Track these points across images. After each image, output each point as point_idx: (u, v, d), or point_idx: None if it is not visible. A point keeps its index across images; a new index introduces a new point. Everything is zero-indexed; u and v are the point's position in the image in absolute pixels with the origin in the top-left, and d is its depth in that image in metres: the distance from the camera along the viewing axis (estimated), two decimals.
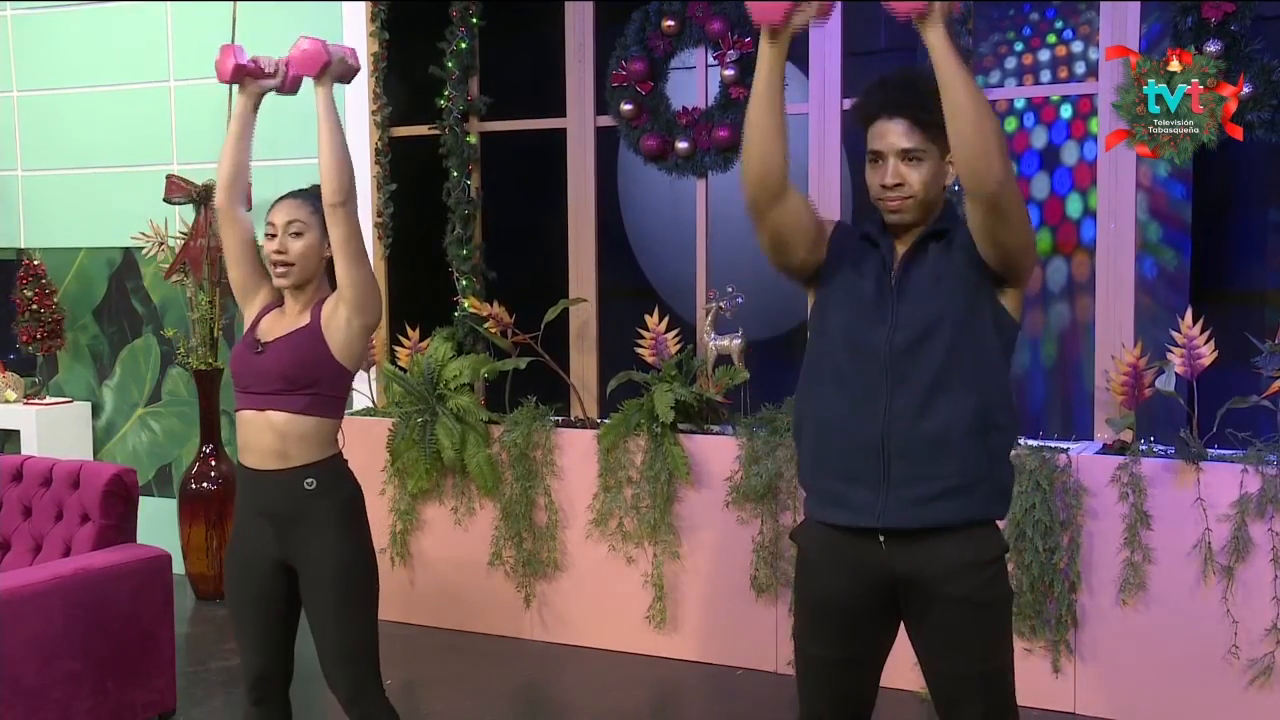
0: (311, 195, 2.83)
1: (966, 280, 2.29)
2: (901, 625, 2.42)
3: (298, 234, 2.77)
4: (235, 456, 5.24)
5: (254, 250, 2.93)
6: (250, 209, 4.99)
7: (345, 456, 2.89)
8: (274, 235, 2.78)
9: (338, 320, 2.76)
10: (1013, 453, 3.84)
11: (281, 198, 2.85)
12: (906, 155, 2.27)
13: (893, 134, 2.28)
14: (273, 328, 2.82)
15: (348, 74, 2.87)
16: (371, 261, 5.10)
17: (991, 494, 2.33)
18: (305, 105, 5.59)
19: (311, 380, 2.74)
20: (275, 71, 2.86)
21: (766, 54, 2.29)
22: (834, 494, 2.35)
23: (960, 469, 2.26)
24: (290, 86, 2.90)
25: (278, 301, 2.90)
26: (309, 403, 2.74)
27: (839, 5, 2.28)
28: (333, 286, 2.83)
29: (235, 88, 2.89)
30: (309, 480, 2.74)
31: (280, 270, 2.78)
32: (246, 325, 2.88)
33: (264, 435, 2.73)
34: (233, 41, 5.26)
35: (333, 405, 2.81)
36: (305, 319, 2.79)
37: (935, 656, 2.35)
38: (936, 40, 2.14)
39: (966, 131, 2.14)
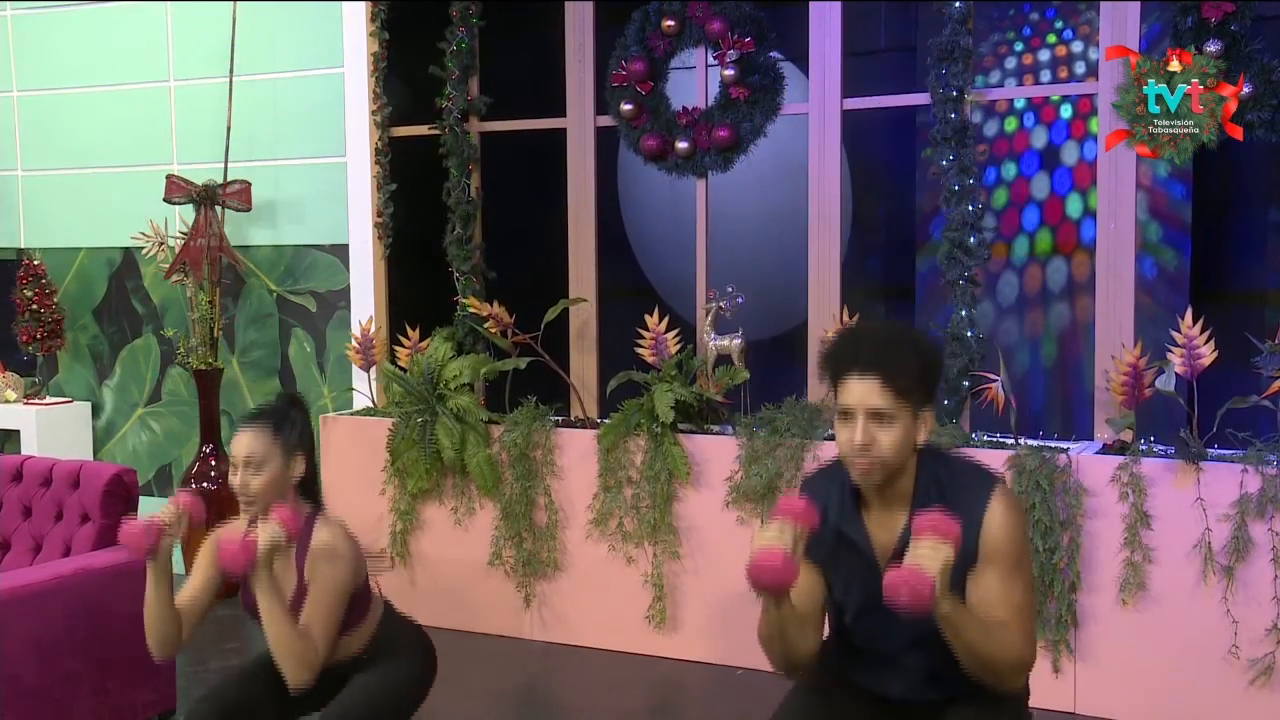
0: (272, 421, 2.77)
1: (956, 579, 2.20)
2: None
3: (257, 470, 2.73)
4: None
5: (208, 590, 2.82)
6: (250, 208, 4.95)
7: (389, 606, 2.96)
8: (235, 469, 2.75)
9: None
10: (1013, 453, 3.87)
11: (242, 424, 2.78)
12: (877, 415, 2.19)
13: (863, 392, 2.19)
14: None
15: (283, 544, 2.63)
16: (372, 261, 5.16)
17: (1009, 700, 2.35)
18: (305, 105, 5.62)
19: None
20: (178, 521, 2.70)
21: (772, 614, 2.22)
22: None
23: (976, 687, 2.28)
24: (195, 525, 2.77)
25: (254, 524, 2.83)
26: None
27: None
28: (310, 501, 2.83)
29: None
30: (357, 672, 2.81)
31: (244, 505, 2.75)
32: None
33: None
34: (232, 43, 5.27)
35: (354, 617, 2.82)
36: (293, 577, 2.74)
37: None
38: (941, 617, 2.07)
39: (971, 669, 2.17)
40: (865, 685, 2.40)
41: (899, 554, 2.20)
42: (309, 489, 2.84)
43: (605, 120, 4.85)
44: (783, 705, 2.42)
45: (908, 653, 2.31)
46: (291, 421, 2.80)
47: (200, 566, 2.84)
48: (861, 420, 2.19)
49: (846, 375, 2.22)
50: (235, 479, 2.73)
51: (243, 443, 2.73)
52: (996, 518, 2.21)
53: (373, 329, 5.02)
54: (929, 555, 2.01)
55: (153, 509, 5.60)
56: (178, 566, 5.00)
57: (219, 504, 5.15)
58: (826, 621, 2.41)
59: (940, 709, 2.32)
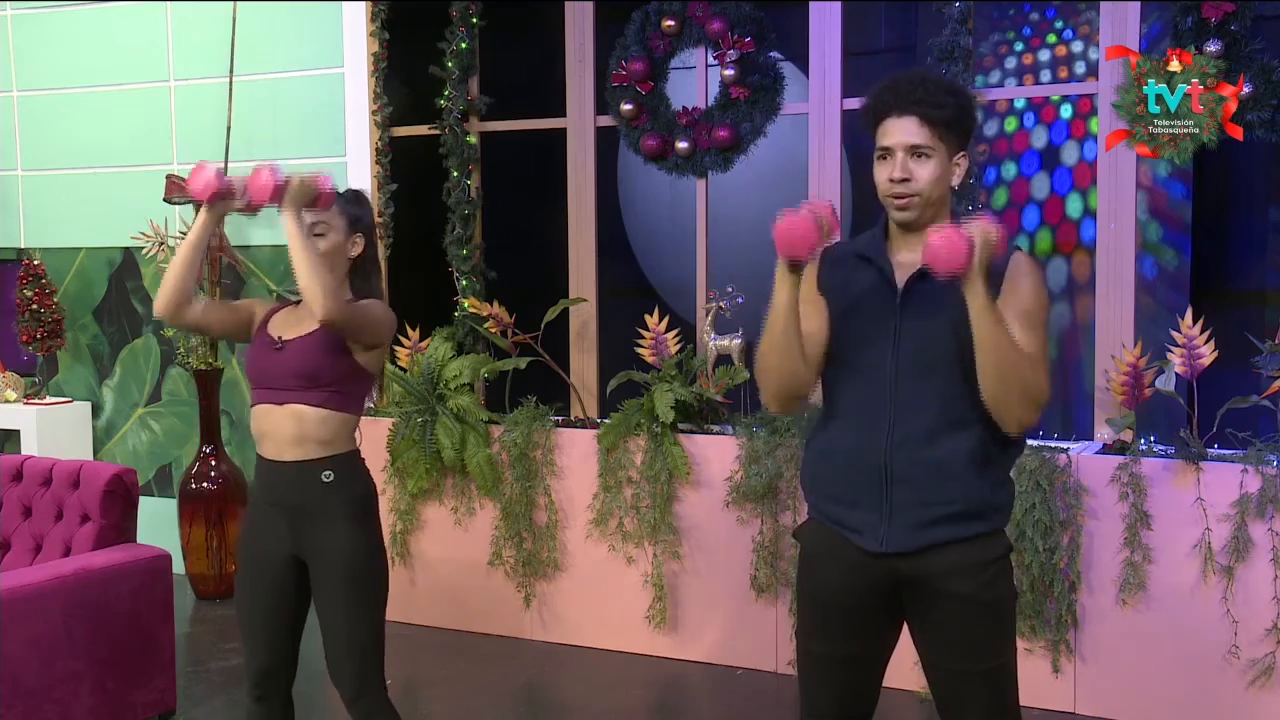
0: (341, 197, 2.85)
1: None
2: (905, 624, 2.42)
3: (320, 235, 2.80)
4: (236, 456, 5.28)
5: (221, 309, 2.94)
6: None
7: (362, 455, 2.90)
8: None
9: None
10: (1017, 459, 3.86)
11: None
12: (914, 151, 2.27)
13: (901, 130, 2.28)
14: (289, 324, 2.83)
15: (316, 200, 2.76)
16: None
17: (993, 514, 2.34)
18: (305, 105, 5.61)
19: (333, 377, 2.76)
20: (243, 193, 2.80)
21: (785, 286, 2.28)
22: (837, 517, 2.37)
23: (962, 496, 2.28)
24: (251, 209, 2.84)
25: (280, 305, 2.93)
26: (329, 397, 2.75)
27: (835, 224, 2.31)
28: (354, 290, 2.86)
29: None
30: (326, 472, 2.75)
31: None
32: (255, 332, 2.88)
33: (284, 425, 2.75)
34: (233, 43, 5.27)
35: (353, 401, 2.82)
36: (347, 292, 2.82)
37: (937, 654, 2.35)
38: (973, 299, 2.14)
39: (988, 384, 2.18)
40: (867, 428, 2.32)
41: (918, 275, 2.28)
42: (365, 276, 2.89)
43: (605, 120, 4.85)
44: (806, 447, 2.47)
45: (906, 384, 2.28)
46: (360, 202, 2.90)
47: (243, 305, 2.97)
48: (900, 156, 2.28)
49: (886, 116, 2.31)
50: None
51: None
52: (1022, 263, 2.30)
53: None
54: (974, 227, 2.12)
55: (153, 509, 5.61)
56: (178, 567, 5.00)
57: (219, 504, 5.16)
58: (824, 403, 2.43)
59: (933, 570, 2.29)
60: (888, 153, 2.30)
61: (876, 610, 2.37)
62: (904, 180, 2.28)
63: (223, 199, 2.79)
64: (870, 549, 2.31)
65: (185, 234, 5.19)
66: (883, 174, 2.32)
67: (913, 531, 2.28)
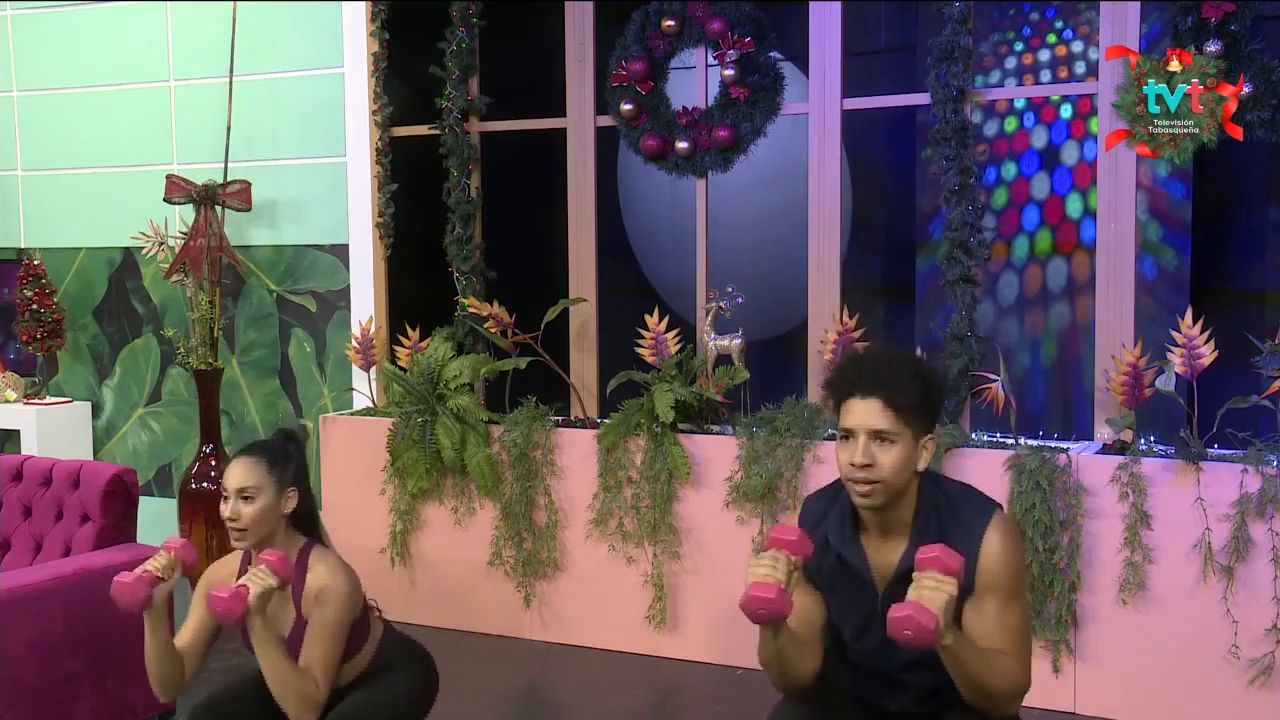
0: (267, 454, 2.78)
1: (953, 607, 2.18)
2: None
3: (249, 499, 2.73)
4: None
5: (200, 643, 2.84)
6: (250, 208, 4.99)
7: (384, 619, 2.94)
8: (226, 499, 2.75)
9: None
10: (1013, 453, 3.87)
11: (236, 455, 2.79)
12: (878, 436, 2.20)
13: (865, 413, 2.21)
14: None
15: (273, 591, 2.61)
16: (372, 261, 5.16)
17: None
18: (305, 105, 5.61)
19: None
20: (170, 569, 2.68)
21: (767, 637, 2.22)
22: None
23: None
24: (188, 571, 2.74)
25: (244, 560, 2.86)
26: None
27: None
28: (302, 531, 2.82)
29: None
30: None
31: (235, 535, 2.75)
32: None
33: None
34: (233, 43, 5.27)
35: (354, 646, 2.81)
36: (291, 614, 2.75)
37: None
38: (946, 657, 2.09)
39: (968, 698, 2.17)
40: (864, 699, 2.40)
41: (898, 580, 2.22)
42: (303, 522, 2.83)
43: (605, 120, 4.85)
44: (774, 714, 2.41)
45: (907, 672, 2.31)
46: (287, 456, 2.80)
47: (197, 607, 2.84)
48: (863, 440, 2.21)
49: (849, 397, 2.24)
50: (226, 509, 2.73)
51: (236, 473, 2.74)
52: (994, 547, 2.22)
53: (373, 329, 5.02)
54: (933, 590, 2.02)
55: (153, 509, 5.61)
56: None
57: (219, 503, 5.14)
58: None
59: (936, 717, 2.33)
60: (850, 434, 2.23)
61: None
62: (866, 466, 2.20)
63: (153, 596, 2.65)
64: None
65: (185, 234, 5.25)
66: (844, 456, 2.24)
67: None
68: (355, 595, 2.77)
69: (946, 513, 2.26)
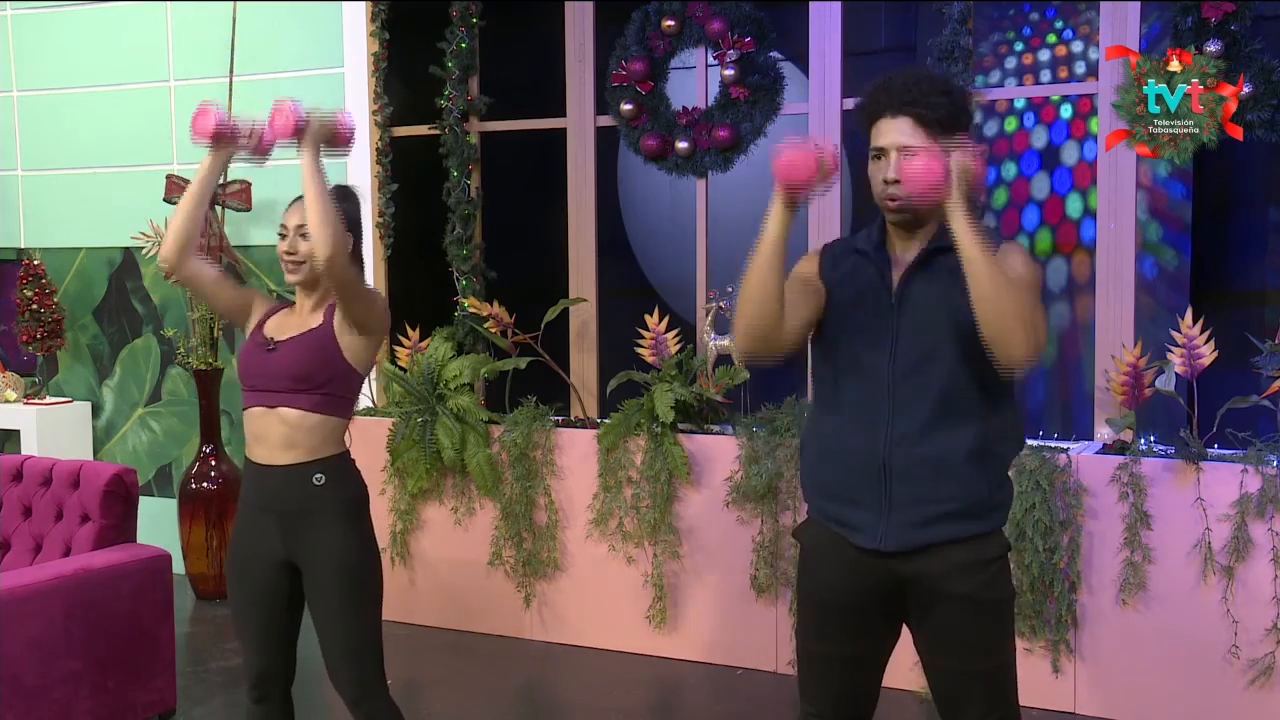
0: (333, 193, 2.81)
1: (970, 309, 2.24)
2: (904, 625, 2.42)
3: (306, 235, 2.78)
4: (236, 456, 5.27)
5: (223, 281, 2.94)
6: (250, 208, 5.00)
7: (352, 456, 2.89)
8: (284, 235, 2.82)
9: (348, 328, 2.78)
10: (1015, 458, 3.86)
11: (296, 198, 2.85)
12: (908, 152, 2.26)
13: (895, 130, 2.27)
14: (283, 326, 2.83)
15: (334, 139, 2.77)
16: (371, 262, 5.16)
17: (991, 513, 2.34)
18: (306, 105, 5.59)
19: (323, 379, 2.76)
20: (250, 134, 2.81)
21: (778, 219, 2.29)
22: (837, 516, 2.36)
23: (961, 493, 2.27)
24: (263, 150, 2.84)
25: (280, 305, 2.92)
26: (320, 400, 2.75)
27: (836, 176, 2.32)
28: None
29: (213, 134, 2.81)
30: (318, 476, 2.75)
31: (290, 267, 2.81)
32: (250, 329, 2.88)
33: (274, 429, 2.75)
34: (233, 43, 5.27)
35: (343, 404, 2.82)
36: (318, 319, 2.80)
37: (937, 654, 2.35)
38: (957, 224, 2.15)
39: (986, 313, 2.15)
40: (865, 435, 2.31)
41: (915, 266, 2.29)
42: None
43: (605, 120, 4.85)
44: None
45: (909, 379, 2.28)
46: (346, 199, 2.86)
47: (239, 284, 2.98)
48: (895, 157, 2.26)
49: (879, 116, 2.30)
50: (283, 245, 2.80)
51: (298, 210, 2.79)
52: (1011, 247, 2.31)
53: None
54: (951, 157, 2.15)
55: (153, 509, 5.61)
56: (178, 567, 5.00)
57: (219, 504, 5.16)
58: (818, 400, 2.45)
59: (933, 568, 2.28)
60: (881, 153, 2.29)
61: (876, 611, 2.37)
62: (898, 181, 2.26)
63: (227, 141, 2.80)
64: (869, 546, 2.31)
65: None
66: (877, 175, 2.31)
67: (911, 530, 2.28)
68: (386, 306, 2.87)
69: None
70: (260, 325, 2.87)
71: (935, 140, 2.25)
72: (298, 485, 2.74)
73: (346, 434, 2.87)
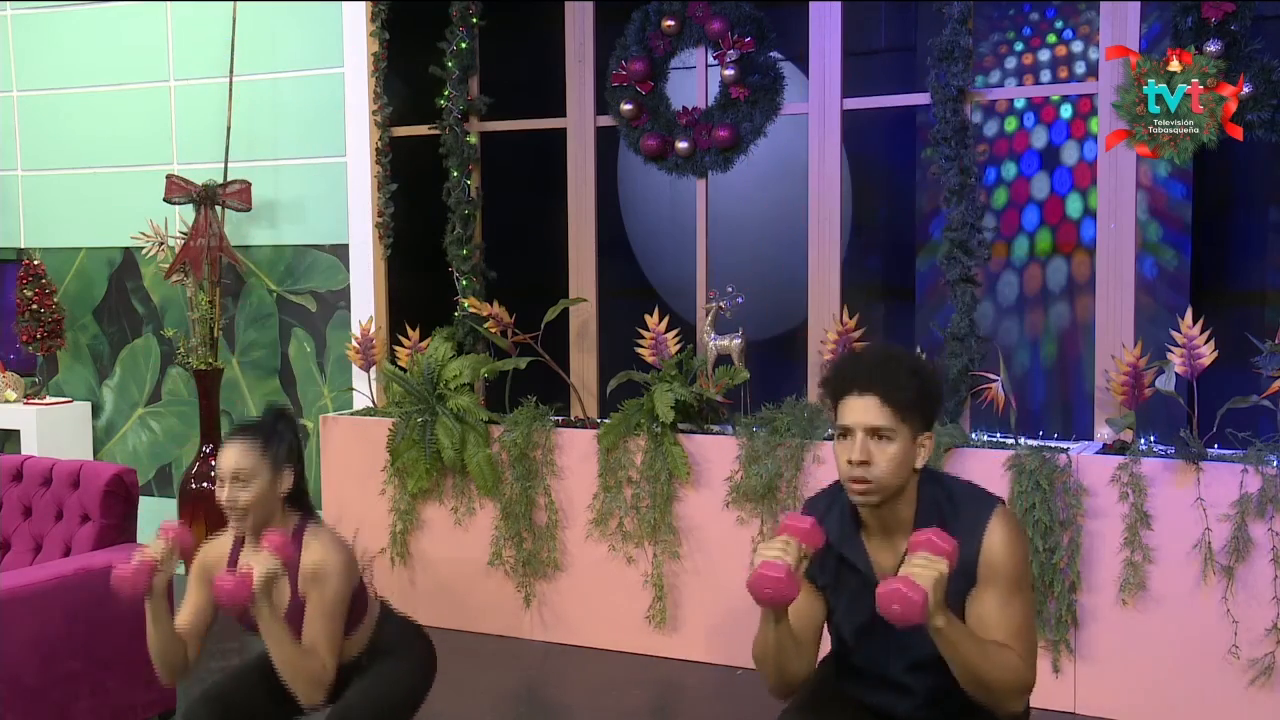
0: (260, 435, 2.75)
1: (955, 601, 2.21)
2: None
3: (244, 483, 2.70)
4: None
5: (199, 624, 2.85)
6: (250, 208, 5.01)
7: (385, 605, 2.96)
8: (222, 484, 2.73)
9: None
10: (1013, 453, 3.87)
11: (229, 438, 2.76)
12: (875, 433, 2.20)
13: (861, 410, 2.20)
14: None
15: (278, 575, 2.62)
16: (372, 261, 5.16)
17: None
18: (305, 105, 5.61)
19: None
20: (170, 553, 2.69)
21: (769, 624, 2.23)
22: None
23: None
24: (186, 556, 2.75)
25: (230, 545, 2.84)
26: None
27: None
28: (298, 511, 2.80)
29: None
30: (357, 673, 2.80)
31: (236, 515, 2.73)
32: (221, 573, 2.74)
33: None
34: (233, 43, 5.27)
35: (352, 620, 2.81)
36: (287, 593, 2.73)
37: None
38: (935, 635, 2.08)
39: (971, 692, 2.16)
40: (868, 703, 2.40)
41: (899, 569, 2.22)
42: (298, 500, 2.81)
43: (605, 120, 4.85)
44: None
45: (909, 675, 2.31)
46: (279, 435, 2.77)
47: (194, 587, 2.83)
48: (860, 438, 2.20)
49: (846, 395, 2.23)
50: (223, 493, 2.72)
51: (230, 457, 2.71)
52: (996, 539, 2.21)
53: (373, 329, 5.02)
54: (922, 567, 2.02)
55: (153, 509, 5.61)
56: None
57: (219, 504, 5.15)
58: (826, 643, 2.41)
59: None
60: (848, 432, 2.22)
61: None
62: (863, 463, 2.19)
63: (154, 581, 2.66)
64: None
65: (185, 234, 5.25)
66: (842, 455, 2.23)
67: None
68: (351, 569, 2.76)
69: (948, 509, 2.25)
70: (232, 559, 2.80)
71: (904, 422, 2.20)
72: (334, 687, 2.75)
73: (370, 614, 2.88)
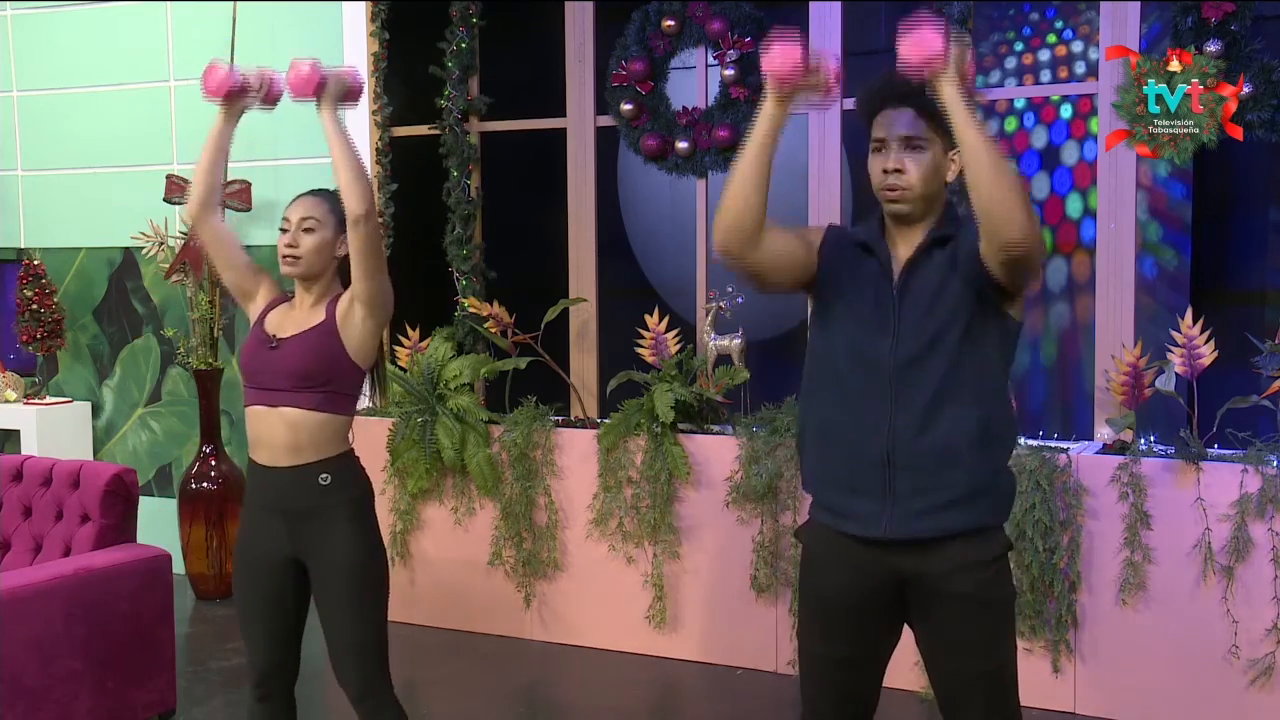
0: (331, 194, 2.83)
1: (970, 291, 2.27)
2: (905, 625, 2.42)
3: (309, 230, 2.79)
4: (236, 456, 5.27)
5: (242, 251, 2.97)
6: (250, 208, 5.01)
7: (356, 454, 2.90)
8: (286, 230, 2.82)
9: (353, 319, 2.78)
10: (1013, 452, 3.86)
11: (300, 194, 2.85)
12: (908, 143, 2.27)
13: (896, 122, 2.29)
14: (284, 323, 2.83)
15: (349, 94, 2.78)
16: None
17: (995, 503, 2.34)
18: (306, 105, 5.59)
19: (327, 377, 2.75)
20: (260, 86, 2.83)
21: (770, 115, 2.33)
22: (839, 505, 2.36)
23: (965, 480, 2.27)
24: (272, 99, 2.87)
25: (282, 297, 2.92)
26: (323, 399, 2.75)
27: (838, 97, 2.29)
28: (345, 285, 2.84)
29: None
30: (323, 476, 2.75)
31: (289, 261, 2.82)
32: (251, 320, 2.89)
33: (277, 431, 2.74)
34: (233, 43, 5.27)
35: (346, 402, 2.81)
36: (320, 316, 2.80)
37: (938, 654, 2.35)
38: (950, 98, 2.14)
39: (985, 192, 2.13)
40: (866, 426, 2.31)
41: (914, 259, 2.30)
42: (346, 275, 2.85)
43: (605, 120, 4.85)
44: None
45: (910, 368, 2.27)
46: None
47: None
48: (895, 148, 2.28)
49: (881, 107, 2.32)
50: (284, 239, 2.81)
51: (302, 205, 2.81)
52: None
53: None
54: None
55: (153, 509, 5.61)
56: (178, 567, 5.00)
57: (219, 504, 5.16)
58: (814, 385, 2.42)
59: (935, 558, 2.28)
60: (882, 144, 2.31)
61: (877, 612, 2.37)
62: (897, 171, 2.27)
63: (237, 96, 2.81)
64: (872, 535, 2.30)
65: (185, 234, 5.25)
66: (876, 166, 2.32)
67: (916, 519, 2.27)
68: (391, 294, 2.85)
69: (966, 221, 2.30)
70: (261, 318, 2.87)
71: (936, 134, 2.27)
72: (303, 486, 2.74)
73: (350, 432, 2.86)
